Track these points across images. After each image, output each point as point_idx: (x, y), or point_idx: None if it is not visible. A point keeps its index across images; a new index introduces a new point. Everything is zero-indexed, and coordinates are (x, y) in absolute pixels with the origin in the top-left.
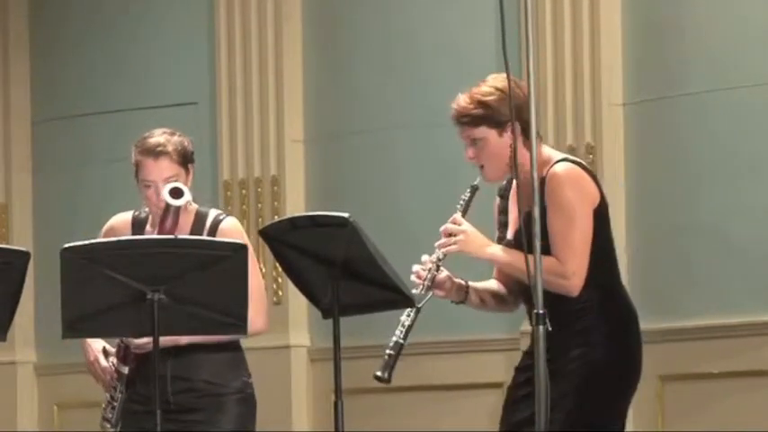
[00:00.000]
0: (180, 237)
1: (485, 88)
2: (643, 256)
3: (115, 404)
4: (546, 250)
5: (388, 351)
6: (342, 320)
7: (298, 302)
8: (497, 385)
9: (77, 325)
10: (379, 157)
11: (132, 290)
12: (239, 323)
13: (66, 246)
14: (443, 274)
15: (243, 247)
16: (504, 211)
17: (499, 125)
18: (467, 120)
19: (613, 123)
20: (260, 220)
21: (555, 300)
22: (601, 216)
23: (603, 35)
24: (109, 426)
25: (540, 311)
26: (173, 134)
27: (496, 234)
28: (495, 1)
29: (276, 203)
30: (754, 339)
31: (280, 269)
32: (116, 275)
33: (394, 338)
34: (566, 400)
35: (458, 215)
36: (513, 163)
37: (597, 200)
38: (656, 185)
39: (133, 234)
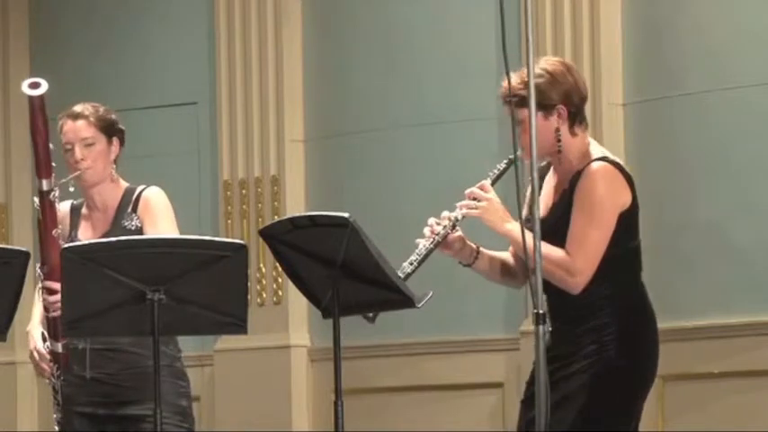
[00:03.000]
0: (179, 237)
1: (535, 70)
2: (643, 255)
3: (59, 399)
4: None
5: None
6: (342, 320)
7: (298, 302)
8: (497, 385)
9: (78, 325)
10: (379, 157)
11: (132, 290)
12: (239, 323)
13: (67, 246)
14: (457, 233)
15: (243, 247)
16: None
17: (546, 108)
18: (514, 100)
19: (613, 123)
20: (260, 220)
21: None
22: (630, 219)
23: (603, 35)
24: (59, 427)
25: (540, 311)
26: (97, 107)
27: (524, 212)
28: (495, 1)
29: (276, 203)
30: (754, 339)
31: (280, 269)
32: (116, 275)
33: None
34: (577, 397)
35: (487, 182)
36: (527, 145)
37: (628, 203)
38: (656, 185)
39: (71, 218)
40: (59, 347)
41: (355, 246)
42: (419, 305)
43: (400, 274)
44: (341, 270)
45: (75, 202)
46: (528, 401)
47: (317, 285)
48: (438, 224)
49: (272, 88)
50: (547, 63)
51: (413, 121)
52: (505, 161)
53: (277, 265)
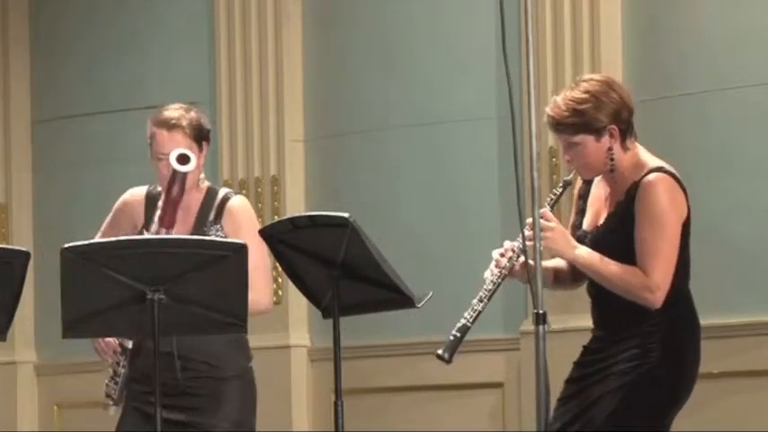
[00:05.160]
0: (179, 237)
1: (579, 95)
2: None
3: (118, 380)
4: (624, 258)
5: (453, 332)
6: (342, 320)
7: (298, 302)
8: (497, 385)
9: (77, 325)
10: (379, 157)
11: (132, 290)
12: (239, 323)
13: (66, 246)
14: (521, 261)
15: (243, 247)
16: (584, 196)
17: (597, 131)
18: (563, 128)
19: None
20: (260, 220)
21: (618, 297)
22: (686, 230)
23: (603, 35)
24: (111, 402)
25: (541, 311)
26: (189, 109)
27: (571, 219)
28: (495, 1)
29: (276, 203)
30: (754, 339)
31: (280, 269)
32: (116, 275)
33: (462, 321)
34: (611, 399)
35: (547, 209)
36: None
37: (685, 214)
38: None
39: (146, 209)
40: (130, 344)
41: (355, 246)
42: (419, 305)
43: (471, 313)
44: (341, 270)
45: (152, 190)
46: (561, 400)
47: (317, 285)
48: (503, 256)
49: (272, 88)
50: (589, 84)
51: (413, 121)
52: (561, 185)
53: (277, 265)
